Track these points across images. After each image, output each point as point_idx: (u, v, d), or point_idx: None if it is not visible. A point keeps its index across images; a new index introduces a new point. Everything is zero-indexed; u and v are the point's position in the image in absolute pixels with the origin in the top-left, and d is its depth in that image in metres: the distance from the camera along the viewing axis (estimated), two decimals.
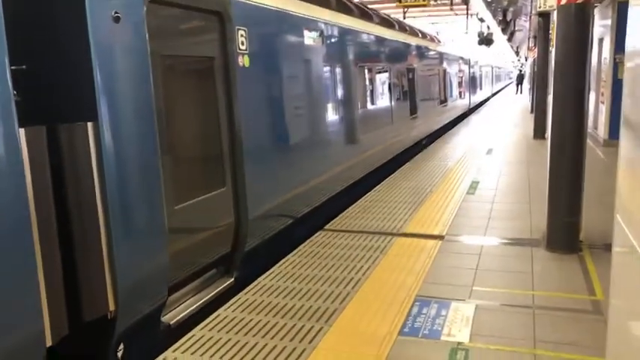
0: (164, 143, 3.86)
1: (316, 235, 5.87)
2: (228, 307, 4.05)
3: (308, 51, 6.54)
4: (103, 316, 3.38)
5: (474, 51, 25.71)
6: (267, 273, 4.74)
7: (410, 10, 23.39)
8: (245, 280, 4.82)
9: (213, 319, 3.87)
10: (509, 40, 29.18)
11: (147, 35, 3.68)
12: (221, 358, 3.36)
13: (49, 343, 2.96)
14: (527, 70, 38.11)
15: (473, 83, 23.77)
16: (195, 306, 4.26)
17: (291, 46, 6.19)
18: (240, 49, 4.88)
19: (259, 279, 4.60)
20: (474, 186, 8.13)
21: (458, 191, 7.79)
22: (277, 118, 5.85)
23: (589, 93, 5.08)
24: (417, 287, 4.38)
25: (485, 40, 24.05)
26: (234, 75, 4.80)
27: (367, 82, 9.08)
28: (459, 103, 19.44)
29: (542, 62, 13.01)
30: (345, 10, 8.06)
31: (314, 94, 6.83)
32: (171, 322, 4.00)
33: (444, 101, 15.71)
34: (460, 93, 19.94)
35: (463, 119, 19.97)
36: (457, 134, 14.92)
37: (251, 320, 3.84)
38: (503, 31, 24.10)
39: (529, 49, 24.14)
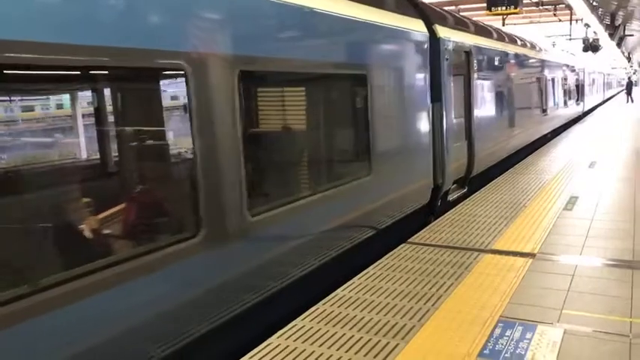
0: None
1: (399, 247, 5.78)
2: (305, 317, 4.08)
3: (495, 66, 10.86)
4: (437, 185, 7.73)
5: (583, 58, 24.62)
6: (347, 284, 4.73)
7: (509, 17, 22.59)
8: (470, 192, 8.73)
9: (290, 329, 3.91)
10: (619, 45, 27.34)
11: (449, 64, 7.92)
12: None
13: (432, 186, 7.63)
14: None
15: (582, 90, 23.55)
16: (453, 197, 8.52)
17: (492, 66, 10.59)
18: (474, 70, 9.17)
19: (337, 291, 4.60)
20: (572, 201, 7.67)
21: (554, 207, 7.38)
22: (487, 107, 10.25)
23: None
24: (501, 307, 4.18)
25: (591, 47, 22.68)
26: (471, 83, 9.14)
27: (517, 88, 12.71)
28: (566, 111, 20.32)
29: None
30: (500, 38, 11.94)
31: (502, 95, 11.29)
32: (451, 200, 8.40)
33: (567, 102, 19.58)
34: (565, 101, 19.52)
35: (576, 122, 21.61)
36: (557, 145, 14.17)
37: (327, 332, 3.84)
38: (611, 36, 22.60)
39: None
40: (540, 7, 22.54)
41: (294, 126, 5.37)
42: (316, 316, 4.10)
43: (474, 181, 9.51)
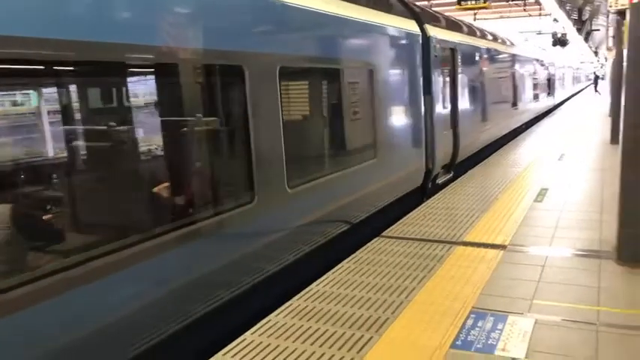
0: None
1: (373, 241, 5.81)
2: (280, 313, 4.07)
3: (477, 62, 11.78)
4: (428, 169, 8.59)
5: (555, 53, 25.07)
6: (321, 279, 4.74)
7: (480, 12, 22.85)
8: (455, 177, 9.62)
9: (265, 324, 3.90)
10: (586, 40, 27.87)
11: (437, 60, 8.81)
12: None
13: (424, 170, 8.49)
14: (607, 72, 36.30)
15: (553, 84, 24.09)
16: (441, 181, 9.38)
17: (474, 61, 11.53)
18: (458, 65, 10.06)
19: (311, 285, 4.60)
20: (542, 193, 7.80)
21: (525, 199, 7.50)
22: (470, 99, 11.12)
23: None
24: (473, 299, 4.23)
25: (559, 42, 23.06)
26: (455, 77, 10.01)
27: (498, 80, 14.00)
28: (541, 103, 21.34)
29: (618, 63, 12.31)
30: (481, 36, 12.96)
31: (484, 88, 12.24)
32: (439, 182, 9.27)
33: (543, 94, 20.49)
34: (538, 94, 19.97)
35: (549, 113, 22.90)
36: (527, 139, 14.39)
37: (301, 327, 3.84)
38: (579, 31, 23.01)
39: (608, 49, 22.98)
40: (510, 2, 22.84)
41: (316, 114, 6.31)
42: (290, 312, 4.10)
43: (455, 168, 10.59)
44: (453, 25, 10.70)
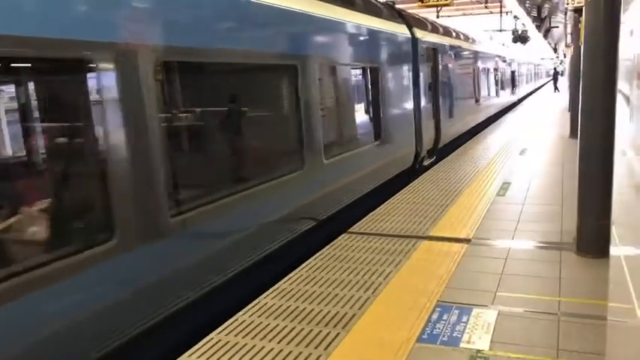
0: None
1: (340, 238, 5.82)
2: (246, 312, 4.05)
3: (451, 60, 13.17)
4: (417, 152, 10.13)
5: (515, 49, 25.62)
6: (287, 277, 4.72)
7: (444, 9, 23.11)
8: (438, 160, 10.84)
9: (231, 324, 3.87)
10: (545, 37, 28.49)
11: (423, 59, 10.41)
12: None
13: (414, 152, 10.06)
14: (566, 68, 37.13)
15: (517, 79, 25.57)
16: (426, 163, 10.75)
17: (452, 60, 13.20)
18: (439, 63, 11.58)
19: (278, 283, 4.59)
20: (504, 187, 7.95)
21: (488, 193, 7.63)
22: (449, 93, 12.75)
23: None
24: (438, 292, 4.28)
25: (520, 38, 23.53)
26: (437, 73, 11.51)
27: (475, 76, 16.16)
28: (507, 97, 23.13)
29: (575, 59, 12.64)
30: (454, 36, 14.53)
31: (462, 83, 14.12)
32: (425, 165, 10.56)
33: (510, 88, 23.01)
34: (496, 91, 20.37)
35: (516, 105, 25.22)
36: (490, 133, 14.65)
37: (267, 325, 3.82)
38: (538, 28, 23.52)
39: (566, 45, 23.55)
40: (472, 0, 23.18)
41: (340, 100, 7.66)
42: (257, 310, 4.07)
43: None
44: (433, 27, 12.22)
